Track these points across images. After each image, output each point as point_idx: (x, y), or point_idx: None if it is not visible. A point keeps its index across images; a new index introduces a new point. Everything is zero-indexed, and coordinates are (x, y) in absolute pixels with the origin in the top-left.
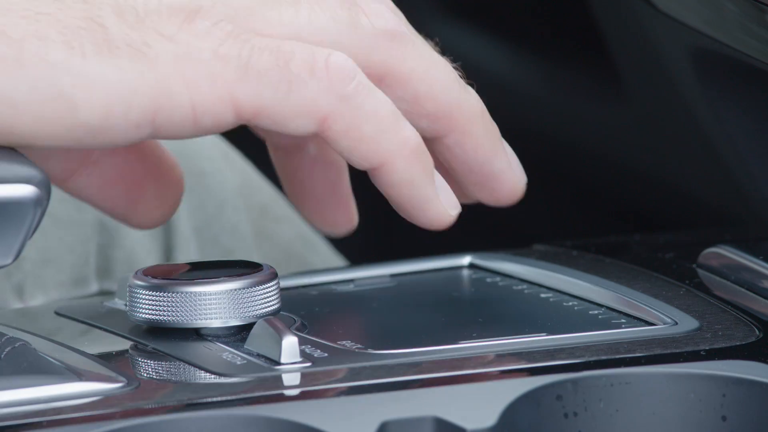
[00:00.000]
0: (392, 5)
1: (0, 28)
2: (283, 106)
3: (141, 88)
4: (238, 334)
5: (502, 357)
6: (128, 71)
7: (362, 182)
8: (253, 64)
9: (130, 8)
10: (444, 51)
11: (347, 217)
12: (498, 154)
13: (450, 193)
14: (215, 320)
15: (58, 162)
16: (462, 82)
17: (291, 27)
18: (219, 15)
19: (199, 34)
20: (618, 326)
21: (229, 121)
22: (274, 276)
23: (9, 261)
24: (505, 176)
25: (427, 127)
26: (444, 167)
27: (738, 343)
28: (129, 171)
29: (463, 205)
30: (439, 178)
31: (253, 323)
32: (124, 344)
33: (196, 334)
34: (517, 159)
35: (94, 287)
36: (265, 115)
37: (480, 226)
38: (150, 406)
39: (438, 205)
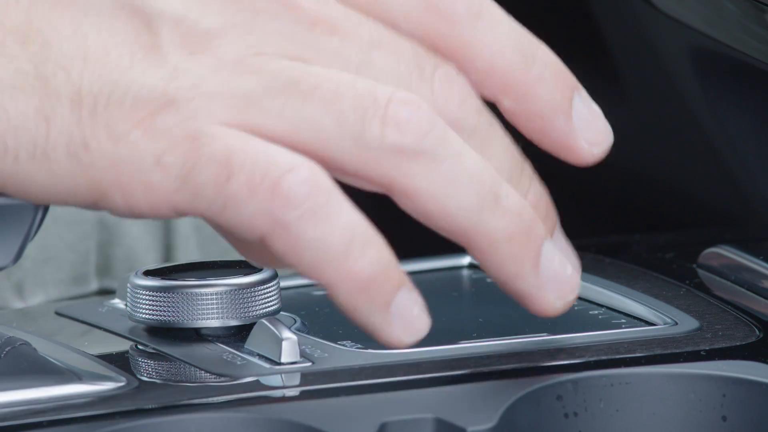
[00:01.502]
0: (463, 92)
1: None
2: (218, 218)
3: (74, 190)
4: (238, 334)
5: (502, 357)
6: (61, 176)
7: None
8: (193, 178)
9: (92, 97)
10: None
11: None
12: (522, 277)
13: (411, 320)
14: (215, 320)
15: None
16: (493, 200)
17: (289, 124)
18: (196, 108)
19: (153, 134)
20: (618, 326)
21: (174, 216)
22: (274, 276)
23: (10, 262)
24: (533, 298)
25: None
26: None
27: (738, 343)
28: None
29: None
30: (401, 304)
31: (253, 323)
32: (124, 344)
33: (196, 334)
34: (563, 277)
35: (94, 285)
36: (208, 220)
37: None
38: (150, 407)
39: (388, 333)
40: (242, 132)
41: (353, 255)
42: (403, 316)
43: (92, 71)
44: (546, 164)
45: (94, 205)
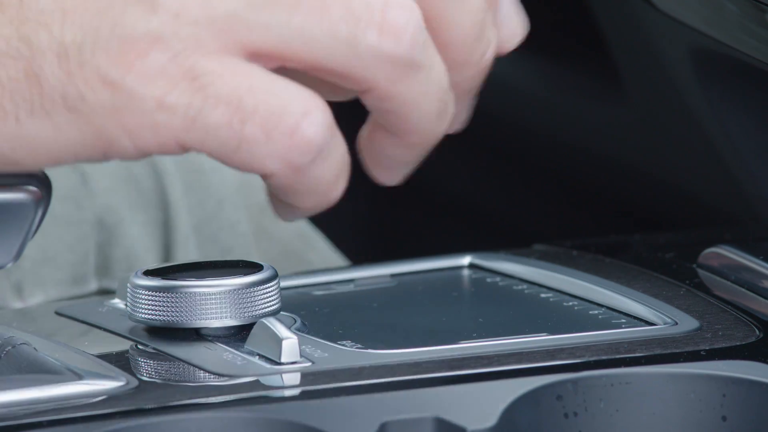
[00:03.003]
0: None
1: None
2: (229, 158)
3: (81, 141)
4: (238, 334)
5: (502, 357)
6: (65, 129)
7: (363, 181)
8: (203, 118)
9: (76, 47)
10: None
11: None
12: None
13: None
14: (215, 320)
15: None
16: (446, 108)
17: (279, 35)
18: (183, 40)
19: (148, 75)
20: (618, 326)
21: (181, 153)
22: (274, 276)
23: (10, 261)
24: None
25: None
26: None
27: (738, 343)
28: None
29: (463, 205)
30: None
31: (253, 323)
32: (124, 344)
33: (196, 334)
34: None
35: (93, 285)
36: (214, 156)
37: (480, 226)
38: (150, 406)
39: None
40: (237, 60)
41: (336, 187)
42: None
43: (72, 22)
44: (547, 165)
45: (104, 156)
